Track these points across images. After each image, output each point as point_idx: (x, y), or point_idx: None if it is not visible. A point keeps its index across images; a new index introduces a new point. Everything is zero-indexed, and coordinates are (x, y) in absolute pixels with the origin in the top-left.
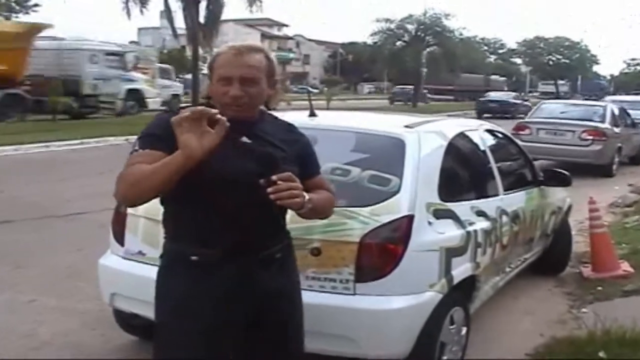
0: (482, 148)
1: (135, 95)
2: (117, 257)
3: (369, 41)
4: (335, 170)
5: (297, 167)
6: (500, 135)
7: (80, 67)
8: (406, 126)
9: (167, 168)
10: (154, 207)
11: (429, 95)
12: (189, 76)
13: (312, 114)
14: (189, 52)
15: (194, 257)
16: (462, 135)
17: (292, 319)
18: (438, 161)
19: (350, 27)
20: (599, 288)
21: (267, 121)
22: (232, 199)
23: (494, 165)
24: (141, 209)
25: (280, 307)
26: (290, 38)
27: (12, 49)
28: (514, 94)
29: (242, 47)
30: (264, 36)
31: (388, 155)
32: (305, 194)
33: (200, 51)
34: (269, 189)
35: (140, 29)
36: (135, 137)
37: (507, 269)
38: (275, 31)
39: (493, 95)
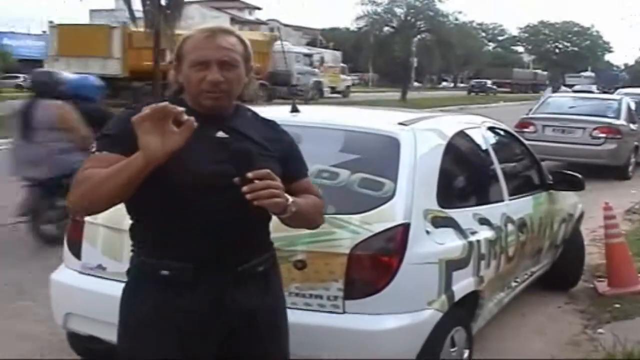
0: (485, 148)
1: (318, 86)
2: (73, 272)
3: (353, 27)
4: (322, 173)
5: (279, 168)
6: (504, 133)
7: (290, 65)
8: (400, 123)
9: (124, 173)
10: (116, 215)
11: (495, 88)
12: None
13: (295, 110)
14: None
15: (164, 272)
16: (462, 133)
17: (274, 343)
18: (436, 163)
19: (332, 11)
20: (617, 305)
21: (244, 116)
22: (207, 204)
23: (498, 168)
24: (101, 217)
25: (261, 329)
26: (264, 23)
27: (263, 52)
28: (594, 86)
29: (215, 29)
30: (234, 20)
31: (381, 156)
32: (288, 196)
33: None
34: (244, 188)
35: (92, 11)
36: None
37: (513, 284)
38: (246, 15)
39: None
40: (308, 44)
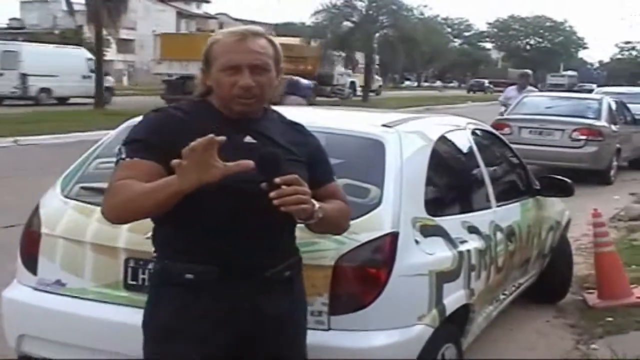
0: (471, 151)
1: (353, 85)
2: (28, 289)
3: (309, 22)
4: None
5: (306, 173)
6: (489, 135)
7: (331, 67)
8: (384, 125)
9: (158, 194)
10: (77, 226)
11: (492, 87)
12: None
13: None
14: (88, 33)
15: (189, 276)
16: (447, 135)
17: (296, 349)
18: (423, 167)
19: (286, 5)
20: (609, 319)
21: (272, 119)
22: (234, 209)
23: (485, 172)
24: (60, 228)
25: (284, 335)
26: (213, 17)
27: (314, 57)
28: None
29: (245, 32)
30: (181, 15)
31: (365, 161)
32: (315, 201)
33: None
34: (272, 194)
35: (23, 3)
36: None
37: (501, 297)
38: (194, 9)
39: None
40: None
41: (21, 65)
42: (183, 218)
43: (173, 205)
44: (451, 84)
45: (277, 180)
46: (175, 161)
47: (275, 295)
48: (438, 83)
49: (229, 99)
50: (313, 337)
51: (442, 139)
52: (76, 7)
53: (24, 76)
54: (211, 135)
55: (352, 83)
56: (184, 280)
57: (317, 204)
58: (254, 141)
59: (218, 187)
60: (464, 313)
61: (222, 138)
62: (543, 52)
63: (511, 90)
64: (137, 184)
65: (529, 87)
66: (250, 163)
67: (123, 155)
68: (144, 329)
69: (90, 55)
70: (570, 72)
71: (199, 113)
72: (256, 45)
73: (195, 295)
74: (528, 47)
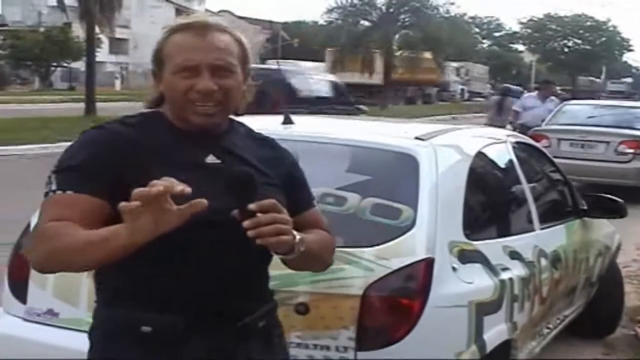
0: (512, 167)
1: (462, 92)
2: (16, 319)
3: (322, 20)
4: (326, 197)
5: (284, 198)
6: (531, 148)
7: (449, 76)
8: (417, 138)
9: (102, 250)
10: None
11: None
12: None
13: (288, 121)
14: (76, 32)
15: (145, 329)
16: (487, 149)
17: None
18: (461, 185)
19: (296, 1)
20: None
21: (238, 132)
22: (199, 245)
23: (527, 190)
24: None
25: None
26: (215, 15)
27: (436, 68)
28: None
29: (205, 24)
30: (179, 11)
31: (396, 177)
32: (295, 232)
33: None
34: (246, 223)
35: None
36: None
37: (545, 331)
38: (195, 5)
39: None
40: (268, 41)
41: None
42: (136, 259)
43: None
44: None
45: (252, 206)
46: (122, 205)
47: (254, 349)
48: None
49: (184, 108)
50: None
51: (481, 153)
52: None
53: None
54: (169, 181)
55: (462, 90)
56: (139, 334)
57: (297, 235)
58: (217, 161)
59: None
60: (505, 350)
61: (188, 190)
62: (582, 55)
63: (530, 99)
64: (72, 230)
65: (551, 97)
66: (204, 203)
67: (53, 187)
68: None
69: None
70: (628, 80)
71: (149, 128)
72: (218, 41)
73: (154, 354)
74: (566, 49)
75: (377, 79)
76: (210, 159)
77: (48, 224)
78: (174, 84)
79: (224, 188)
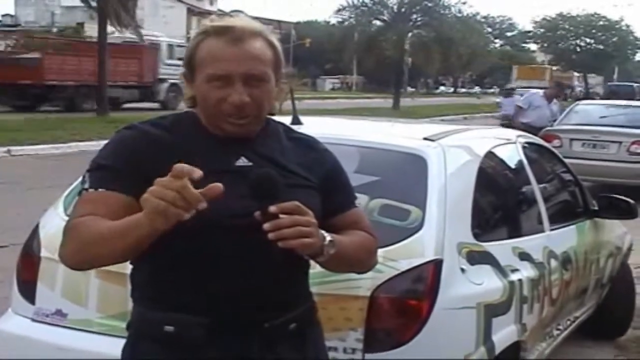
0: (522, 167)
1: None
2: (24, 320)
3: (334, 20)
4: None
5: (317, 199)
6: (542, 149)
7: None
8: (426, 138)
9: (127, 238)
10: None
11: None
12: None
13: (296, 121)
14: (89, 31)
15: (168, 328)
16: (496, 150)
17: None
18: (470, 186)
19: (307, 1)
20: None
21: (275, 135)
22: (225, 247)
23: (537, 191)
24: None
25: None
26: (227, 15)
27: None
28: None
29: (240, 30)
30: (191, 12)
31: (404, 178)
32: (325, 233)
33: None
34: (266, 225)
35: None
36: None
37: (555, 332)
38: (207, 5)
39: None
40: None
41: None
42: (163, 260)
43: (148, 246)
44: (491, 90)
45: (273, 208)
46: (144, 196)
47: (281, 353)
48: (476, 89)
49: (217, 117)
50: None
51: (490, 154)
52: (74, 3)
53: None
54: (181, 166)
55: (571, 88)
56: (163, 334)
57: (327, 237)
58: (248, 163)
59: (204, 223)
60: (514, 351)
61: (199, 173)
62: (594, 55)
63: (537, 98)
64: (102, 222)
65: (555, 100)
66: (219, 187)
67: (86, 186)
68: None
69: None
70: None
71: (182, 130)
72: (252, 48)
73: (175, 355)
74: (578, 49)
75: None
76: (241, 161)
77: (78, 220)
78: (206, 93)
79: (248, 191)
